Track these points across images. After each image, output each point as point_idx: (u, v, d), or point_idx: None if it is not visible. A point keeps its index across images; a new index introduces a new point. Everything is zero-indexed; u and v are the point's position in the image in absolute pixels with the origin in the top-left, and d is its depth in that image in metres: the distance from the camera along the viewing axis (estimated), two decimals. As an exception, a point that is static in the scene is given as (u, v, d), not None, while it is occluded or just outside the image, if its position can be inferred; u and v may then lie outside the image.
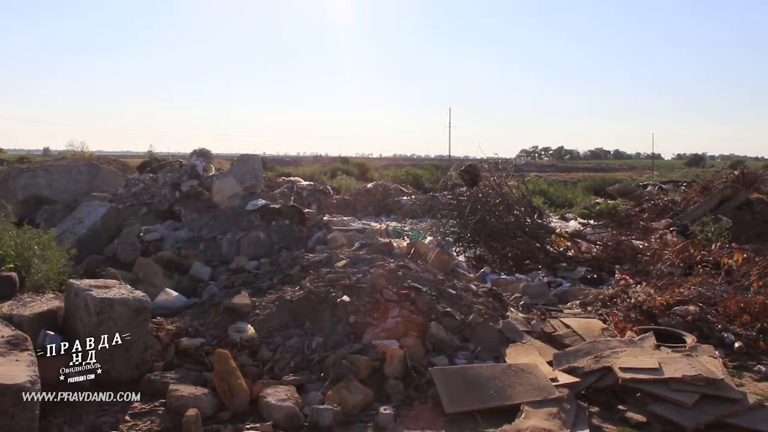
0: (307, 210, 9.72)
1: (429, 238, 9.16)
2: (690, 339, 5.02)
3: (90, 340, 4.21)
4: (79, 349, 4.32)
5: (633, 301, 6.14)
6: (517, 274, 8.35)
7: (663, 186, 22.72)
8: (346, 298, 5.10)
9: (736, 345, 5.28)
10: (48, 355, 4.18)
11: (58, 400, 3.78)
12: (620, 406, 4.02)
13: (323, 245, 8.10)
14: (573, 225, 13.40)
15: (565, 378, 4.27)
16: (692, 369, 4.09)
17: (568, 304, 6.74)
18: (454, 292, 5.73)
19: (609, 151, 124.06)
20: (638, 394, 4.03)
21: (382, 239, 8.16)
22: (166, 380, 4.16)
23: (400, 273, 5.67)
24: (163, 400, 3.94)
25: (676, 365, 4.20)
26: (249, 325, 4.91)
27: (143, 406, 3.91)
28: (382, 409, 3.84)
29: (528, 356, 4.70)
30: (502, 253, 9.37)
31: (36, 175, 12.20)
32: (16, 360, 3.52)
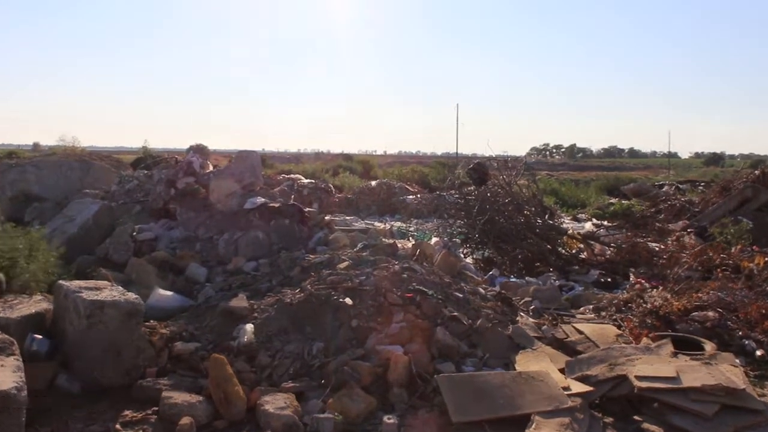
0: (308, 209, 9.69)
1: (435, 239, 9.15)
2: (709, 346, 4.97)
3: (80, 345, 4.22)
4: (69, 353, 4.33)
5: (649, 306, 6.10)
6: (527, 277, 8.32)
7: (680, 186, 22.66)
8: (348, 301, 5.08)
9: (758, 353, 5.23)
10: (35, 359, 4.20)
11: (46, 407, 3.78)
12: (636, 417, 3.98)
13: (325, 246, 8.08)
14: (586, 226, 13.36)
15: (577, 387, 4.23)
16: (712, 378, 4.06)
17: (581, 309, 6.71)
18: (461, 295, 5.70)
19: (623, 149, 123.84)
20: (655, 404, 3.99)
21: (386, 240, 8.13)
22: (159, 387, 4.14)
23: (404, 275, 5.65)
24: (156, 408, 3.92)
25: (694, 374, 4.16)
26: (251, 326, 4.90)
27: (135, 414, 3.88)
28: (385, 418, 3.81)
29: (539, 363, 4.67)
30: (512, 255, 9.33)
31: (25, 171, 12.23)
32: (2, 365, 3.50)
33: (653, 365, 4.37)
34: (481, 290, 6.38)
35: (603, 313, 6.38)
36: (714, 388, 3.95)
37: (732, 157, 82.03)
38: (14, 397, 3.19)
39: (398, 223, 12.77)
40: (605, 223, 14.54)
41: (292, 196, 11.88)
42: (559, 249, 9.71)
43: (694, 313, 5.80)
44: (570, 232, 10.61)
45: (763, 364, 5.14)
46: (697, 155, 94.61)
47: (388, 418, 3.82)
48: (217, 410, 3.92)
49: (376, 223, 12.35)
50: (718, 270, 7.26)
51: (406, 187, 19.51)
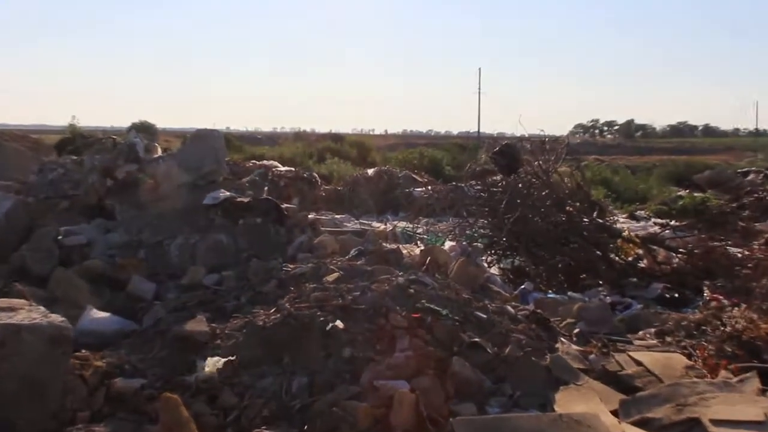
0: (286, 205, 9.73)
1: (450, 244, 9.17)
2: (806, 381, 5.00)
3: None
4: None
5: (729, 329, 6.12)
6: (569, 293, 8.35)
7: (770, 174, 22.68)
8: (339, 324, 5.10)
9: None
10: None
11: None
12: (711, 472, 4.00)
13: (308, 252, 8.11)
14: (647, 226, 13.38)
15: (635, 433, 4.26)
16: (810, 422, 4.08)
17: (640, 333, 6.73)
18: (484, 316, 5.73)
19: (696, 127, 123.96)
20: (736, 456, 4.02)
21: (387, 245, 8.16)
22: (93, 435, 4.16)
23: (411, 290, 5.68)
24: (90, 462, 3.95)
25: (788, 417, 4.18)
26: (219, 358, 4.91)
27: (62, 470, 3.91)
28: (386, 475, 3.84)
29: (585, 403, 4.69)
30: (550, 264, 9.37)
31: None
32: None
33: (734, 406, 4.38)
34: (510, 309, 6.39)
35: (668, 339, 6.41)
36: (812, 434, 3.97)
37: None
38: None
39: (402, 224, 12.77)
40: (672, 222, 14.57)
41: (266, 189, 11.91)
42: (612, 256, 9.74)
43: (786, 339, 5.82)
44: (626, 234, 10.64)
45: None
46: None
47: (391, 475, 3.84)
48: (169, 465, 3.95)
49: (374, 224, 12.40)
50: (819, 283, 7.28)
51: (413, 176, 19.58)
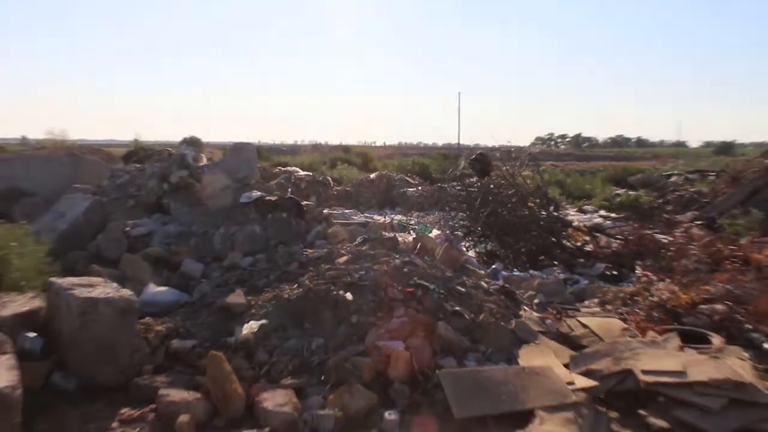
0: (305, 202, 9.71)
1: (436, 233, 9.16)
2: (717, 340, 5.02)
3: (74, 343, 4.26)
4: (63, 352, 4.38)
5: (656, 299, 6.14)
6: (531, 271, 8.36)
7: (689, 176, 22.67)
8: (348, 296, 5.13)
9: (766, 346, 5.28)
10: (30, 358, 4.25)
11: (41, 406, 3.82)
12: (641, 411, 4.02)
13: (323, 240, 8.11)
14: (592, 218, 13.39)
15: (582, 381, 4.29)
16: (719, 372, 4.10)
17: (586, 302, 6.76)
18: (463, 289, 5.75)
19: (631, 139, 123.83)
20: (661, 399, 4.05)
21: (387, 234, 8.16)
22: (156, 385, 4.20)
23: (405, 270, 5.70)
24: (154, 406, 3.97)
25: (701, 368, 4.21)
26: (250, 323, 4.93)
27: (132, 413, 3.94)
28: (386, 415, 3.87)
29: (543, 358, 4.72)
30: (515, 248, 9.37)
31: (12, 166, 12.21)
32: (-4, 363, 3.56)
33: (659, 359, 4.41)
34: (484, 284, 6.41)
35: (609, 307, 6.43)
36: (721, 382, 3.99)
37: (743, 146, 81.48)
38: (8, 396, 3.25)
39: (398, 216, 12.78)
40: (612, 214, 14.58)
41: (289, 189, 11.92)
42: (564, 241, 9.76)
43: (701, 306, 5.83)
44: (575, 224, 10.66)
45: (772, 357, 5.19)
46: (707, 144, 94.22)
47: (389, 415, 3.87)
48: (216, 407, 3.97)
49: (376, 217, 12.38)
50: (727, 262, 7.30)
51: (407, 179, 19.55)
